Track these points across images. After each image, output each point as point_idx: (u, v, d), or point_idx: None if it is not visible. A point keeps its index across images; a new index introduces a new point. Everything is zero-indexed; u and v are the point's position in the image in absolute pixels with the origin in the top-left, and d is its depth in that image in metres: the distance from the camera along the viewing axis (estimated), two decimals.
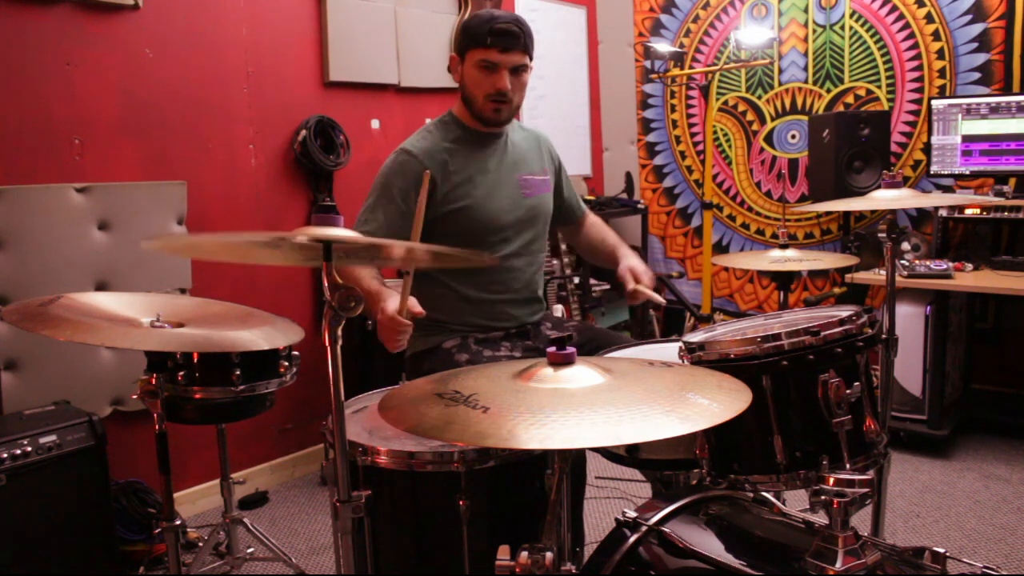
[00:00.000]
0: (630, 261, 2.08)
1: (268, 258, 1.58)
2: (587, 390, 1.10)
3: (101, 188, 2.59)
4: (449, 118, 2.06)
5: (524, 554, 1.07)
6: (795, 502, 1.60)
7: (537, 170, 2.13)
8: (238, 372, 1.98)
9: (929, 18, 3.62)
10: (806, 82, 4.01)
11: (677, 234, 4.61)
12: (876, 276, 3.30)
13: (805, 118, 3.99)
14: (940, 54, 3.61)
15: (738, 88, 4.24)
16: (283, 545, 2.51)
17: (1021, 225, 3.42)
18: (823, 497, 1.06)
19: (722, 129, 4.32)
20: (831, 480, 1.08)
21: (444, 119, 2.06)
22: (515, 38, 1.90)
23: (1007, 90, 3.43)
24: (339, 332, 1.14)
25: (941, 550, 1.07)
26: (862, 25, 3.80)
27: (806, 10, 3.96)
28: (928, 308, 3.13)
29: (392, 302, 1.65)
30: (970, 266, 3.24)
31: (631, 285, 2.00)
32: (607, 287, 4.11)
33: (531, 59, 1.98)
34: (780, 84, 4.10)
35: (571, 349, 1.16)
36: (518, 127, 2.16)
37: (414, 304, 1.65)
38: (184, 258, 2.80)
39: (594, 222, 2.33)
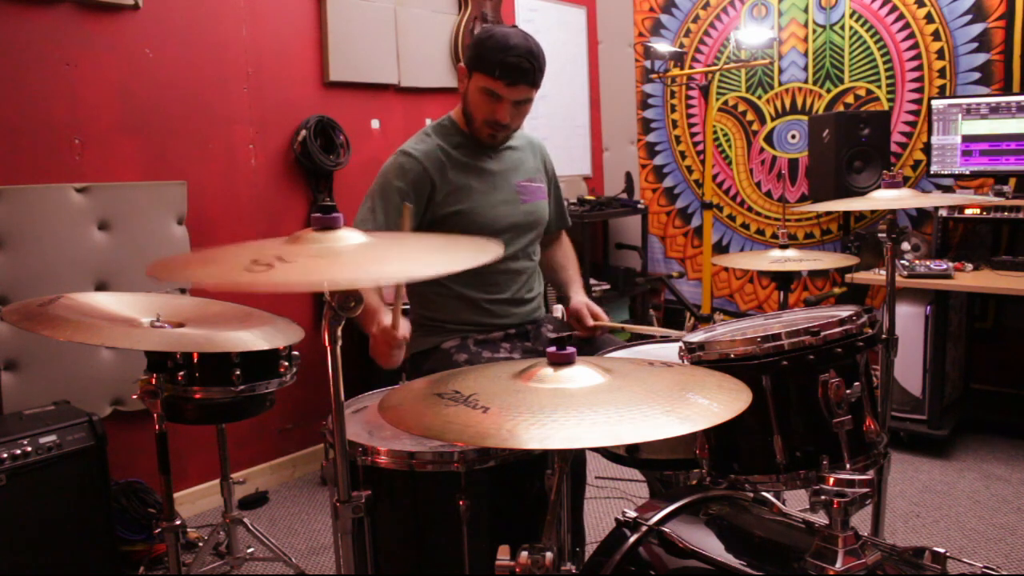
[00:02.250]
0: (584, 298, 2.13)
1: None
2: (587, 390, 1.10)
3: (101, 188, 2.59)
4: (448, 122, 2.06)
5: (524, 554, 1.07)
6: (795, 502, 1.60)
7: (534, 177, 2.13)
8: (238, 372, 1.98)
9: (929, 18, 3.62)
10: (806, 82, 4.01)
11: (677, 234, 4.61)
12: (876, 276, 3.30)
13: (805, 118, 3.99)
14: (940, 54, 3.61)
15: (738, 88, 4.25)
16: (283, 545, 2.51)
17: (1021, 225, 3.42)
18: (823, 497, 1.06)
19: (722, 129, 4.32)
20: (831, 480, 1.08)
21: (443, 123, 2.06)
22: (524, 74, 1.87)
23: (1007, 90, 3.43)
24: (339, 332, 1.14)
25: (941, 550, 1.07)
26: (862, 25, 3.80)
27: (806, 10, 3.96)
28: (928, 308, 3.13)
29: (387, 318, 1.65)
30: (970, 266, 3.24)
31: (591, 322, 2.06)
32: (607, 287, 4.11)
33: (538, 88, 1.95)
34: (780, 84, 4.10)
35: (571, 349, 1.16)
36: (516, 133, 2.16)
37: (406, 327, 1.65)
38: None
39: (565, 243, 2.33)
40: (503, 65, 1.85)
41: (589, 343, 2.05)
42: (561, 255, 2.30)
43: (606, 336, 2.09)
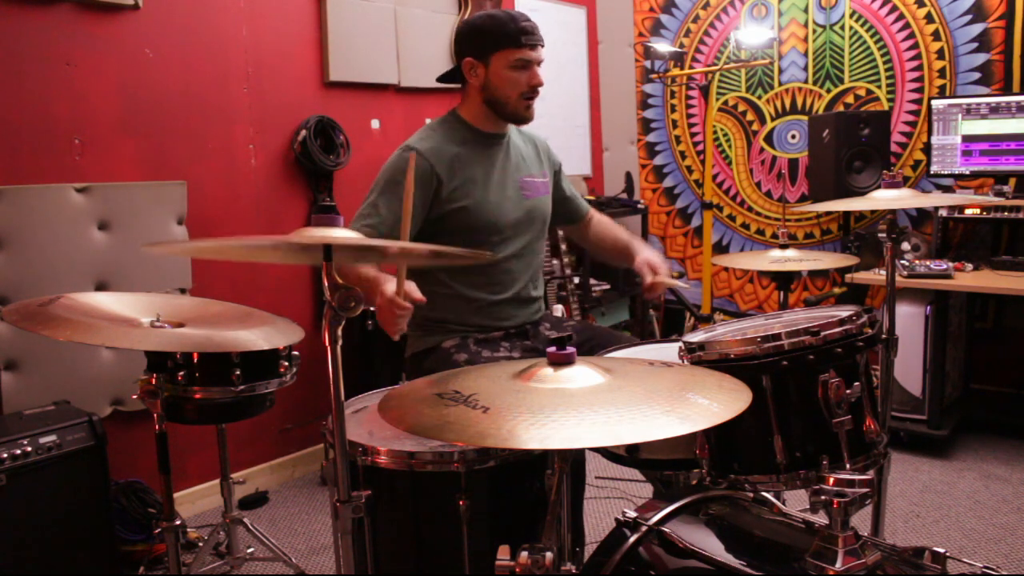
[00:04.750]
0: (646, 254, 2.10)
1: (270, 257, 1.58)
2: (587, 390, 1.10)
3: (101, 188, 2.59)
4: (452, 118, 2.05)
5: (524, 554, 1.07)
6: (795, 502, 1.60)
7: (536, 172, 2.13)
8: (238, 372, 1.98)
9: (929, 18, 3.62)
10: (806, 82, 4.01)
11: (677, 234, 4.61)
12: (876, 276, 3.30)
13: (805, 118, 3.99)
14: (940, 54, 3.61)
15: (738, 88, 4.24)
16: (283, 545, 2.51)
17: (1021, 225, 3.42)
18: (823, 497, 1.06)
19: (722, 129, 4.32)
20: (831, 480, 1.08)
21: (447, 119, 2.05)
22: (538, 35, 1.96)
23: (1007, 90, 3.43)
24: (339, 332, 1.14)
25: (941, 550, 1.08)
26: (862, 25, 3.80)
27: (806, 10, 3.96)
28: (928, 308, 3.13)
29: (391, 285, 1.63)
30: (970, 266, 3.24)
31: (649, 279, 2.03)
32: (607, 287, 4.11)
33: None
34: (780, 84, 4.10)
35: (571, 349, 1.16)
36: (516, 129, 2.16)
37: (413, 289, 1.63)
38: (184, 258, 2.80)
39: (601, 220, 2.33)
40: (524, 32, 1.92)
41: (592, 337, 2.02)
42: (604, 228, 2.29)
43: (606, 336, 2.07)
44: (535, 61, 1.95)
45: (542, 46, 1.97)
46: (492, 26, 1.94)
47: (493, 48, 1.94)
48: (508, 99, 1.97)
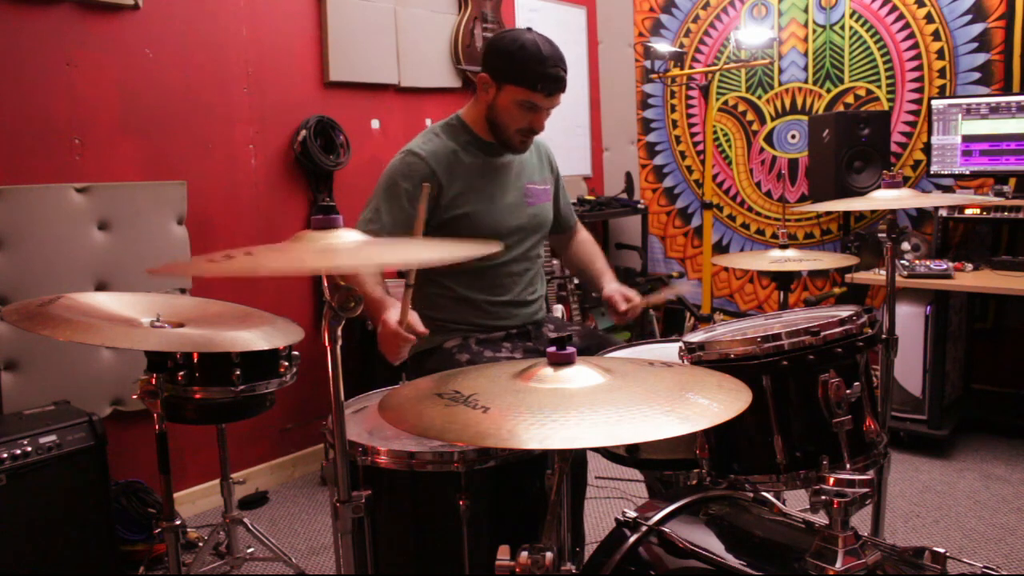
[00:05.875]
0: (615, 285, 2.14)
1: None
2: (587, 390, 1.10)
3: (101, 188, 2.59)
4: (457, 122, 2.04)
5: (524, 554, 1.07)
6: (795, 502, 1.60)
7: (539, 179, 2.13)
8: (238, 372, 1.98)
9: (929, 18, 3.62)
10: (806, 82, 4.01)
11: (677, 234, 4.61)
12: (876, 276, 3.30)
13: (805, 118, 3.99)
14: (940, 54, 3.60)
15: (738, 88, 4.24)
16: (283, 545, 2.51)
17: (1021, 225, 3.42)
18: (823, 497, 1.06)
19: (722, 129, 4.32)
20: (831, 480, 1.08)
21: (451, 123, 2.04)
22: (561, 84, 1.90)
23: (1007, 90, 3.43)
24: (339, 332, 1.14)
25: (941, 550, 1.08)
26: (862, 25, 3.80)
27: (806, 10, 3.96)
28: (928, 308, 3.13)
29: (394, 312, 1.64)
30: (970, 266, 3.24)
31: (623, 306, 2.07)
32: None
33: None
34: (780, 84, 4.10)
35: (571, 349, 1.16)
36: None
37: (416, 322, 1.65)
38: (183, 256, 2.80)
39: (585, 239, 2.34)
40: (545, 78, 1.86)
41: (593, 343, 2.04)
42: (584, 252, 2.30)
43: (605, 343, 2.07)
44: (545, 107, 1.92)
45: (562, 92, 1.91)
46: (519, 57, 1.87)
47: (509, 79, 1.90)
48: (505, 129, 1.96)
